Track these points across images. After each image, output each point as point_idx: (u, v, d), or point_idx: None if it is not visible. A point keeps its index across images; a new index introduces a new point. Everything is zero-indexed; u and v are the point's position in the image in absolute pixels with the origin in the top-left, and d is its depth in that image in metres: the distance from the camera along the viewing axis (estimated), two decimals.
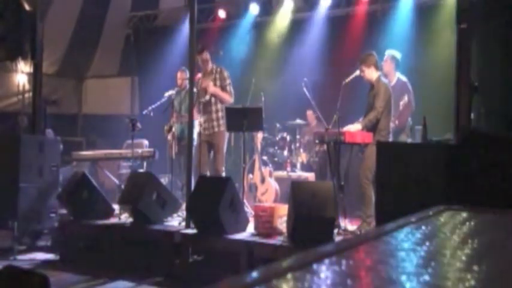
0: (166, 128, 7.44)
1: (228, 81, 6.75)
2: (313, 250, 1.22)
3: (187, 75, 7.35)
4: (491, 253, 1.39)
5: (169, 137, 7.33)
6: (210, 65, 6.81)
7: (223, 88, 6.72)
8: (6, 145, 6.95)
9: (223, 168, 6.75)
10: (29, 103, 8.48)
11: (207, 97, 6.73)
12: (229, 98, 6.71)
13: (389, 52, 6.65)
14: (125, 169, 8.64)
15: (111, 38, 10.73)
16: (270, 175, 7.32)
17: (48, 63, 9.71)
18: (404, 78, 6.61)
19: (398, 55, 6.66)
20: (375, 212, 4.83)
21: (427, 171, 4.30)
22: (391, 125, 6.16)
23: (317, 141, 6.44)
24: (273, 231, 5.36)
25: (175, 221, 6.25)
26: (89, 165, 8.59)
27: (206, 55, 6.78)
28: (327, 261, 1.13)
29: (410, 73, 6.69)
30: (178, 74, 7.62)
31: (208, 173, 6.68)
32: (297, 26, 9.13)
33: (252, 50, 9.37)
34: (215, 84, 6.71)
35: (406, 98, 6.37)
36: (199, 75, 6.80)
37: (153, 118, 7.61)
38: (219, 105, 6.76)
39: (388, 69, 6.61)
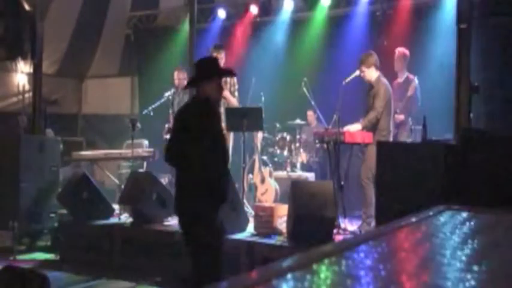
0: (166, 128, 7.43)
1: (236, 86, 6.77)
2: (313, 250, 1.22)
3: (185, 75, 7.33)
4: (491, 253, 1.39)
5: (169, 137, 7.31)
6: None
7: (231, 93, 6.72)
8: (6, 145, 6.95)
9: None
10: (29, 103, 8.46)
11: None
12: (236, 103, 6.72)
13: (399, 50, 6.69)
14: (125, 169, 8.63)
15: (111, 38, 10.70)
16: (270, 175, 7.31)
17: (48, 63, 9.69)
18: (412, 77, 6.63)
19: (407, 53, 6.69)
20: (375, 212, 4.82)
21: (427, 172, 4.30)
22: (400, 117, 6.20)
23: (317, 141, 6.43)
24: (273, 231, 5.36)
25: (175, 221, 6.24)
26: (88, 165, 8.58)
27: (223, 55, 6.76)
28: (326, 261, 1.13)
29: (409, 73, 6.70)
30: (175, 74, 7.56)
31: None
32: (297, 26, 9.11)
33: (252, 50, 9.36)
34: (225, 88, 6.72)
35: (409, 92, 6.45)
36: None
37: (153, 118, 7.59)
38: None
39: (399, 67, 6.65)
